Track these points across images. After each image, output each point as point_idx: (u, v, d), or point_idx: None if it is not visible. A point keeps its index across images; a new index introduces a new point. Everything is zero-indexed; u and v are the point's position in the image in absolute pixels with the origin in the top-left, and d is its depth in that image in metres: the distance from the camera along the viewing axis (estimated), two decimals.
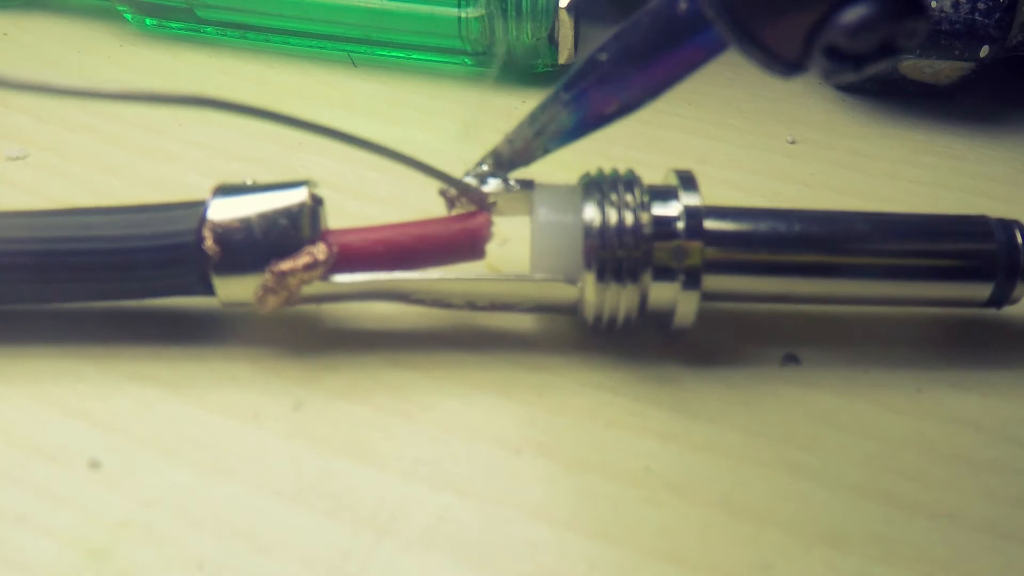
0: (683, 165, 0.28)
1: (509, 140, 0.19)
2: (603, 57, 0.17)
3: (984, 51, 0.28)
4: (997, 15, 0.27)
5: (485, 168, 0.19)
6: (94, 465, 0.17)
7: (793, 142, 0.29)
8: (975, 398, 0.20)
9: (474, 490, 0.17)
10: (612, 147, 0.28)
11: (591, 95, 0.18)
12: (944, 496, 0.17)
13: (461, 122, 0.29)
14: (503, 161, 0.19)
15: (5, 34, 0.33)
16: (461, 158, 0.27)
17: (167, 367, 0.19)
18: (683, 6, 0.16)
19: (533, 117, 0.19)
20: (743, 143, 0.29)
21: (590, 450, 0.18)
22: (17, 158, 0.25)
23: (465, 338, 0.20)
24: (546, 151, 0.19)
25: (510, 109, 0.29)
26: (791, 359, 0.20)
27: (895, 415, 0.19)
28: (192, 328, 0.20)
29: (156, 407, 0.18)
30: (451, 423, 0.18)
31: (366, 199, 0.25)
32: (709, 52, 0.16)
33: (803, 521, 0.17)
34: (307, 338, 0.20)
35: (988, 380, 0.20)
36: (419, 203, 0.24)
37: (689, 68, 0.17)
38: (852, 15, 0.13)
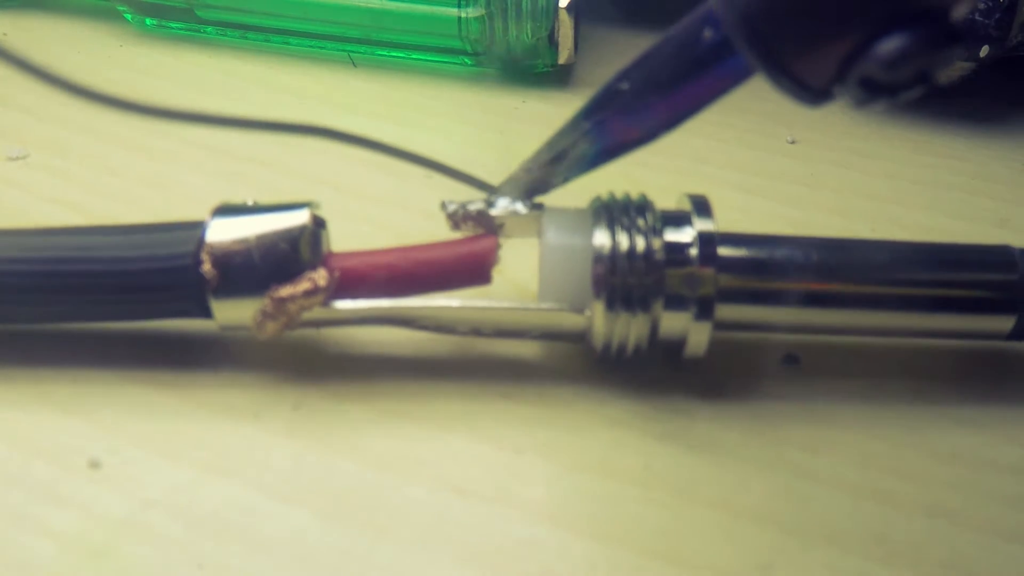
0: (683, 165, 0.28)
1: (526, 168, 0.18)
2: (624, 86, 0.17)
3: (984, 51, 0.28)
4: (997, 15, 0.27)
5: (503, 196, 0.19)
6: (94, 465, 0.17)
7: (793, 142, 0.29)
8: (976, 397, 0.20)
9: (474, 490, 0.17)
10: None
11: (612, 124, 0.17)
12: (944, 496, 0.17)
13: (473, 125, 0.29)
14: (521, 189, 0.19)
15: (5, 34, 0.33)
16: (462, 158, 0.27)
17: (167, 367, 0.19)
18: (708, 34, 0.15)
19: (551, 145, 0.18)
20: (743, 143, 0.29)
21: (590, 450, 0.18)
22: (17, 158, 0.25)
23: (469, 359, 0.20)
24: (565, 179, 0.18)
25: (510, 109, 0.30)
26: (791, 359, 0.20)
27: (895, 415, 0.19)
28: (193, 329, 0.20)
29: (156, 407, 0.18)
30: (451, 423, 0.18)
31: (367, 199, 0.25)
32: (735, 79, 0.16)
33: (803, 521, 0.17)
34: (309, 342, 0.20)
35: (988, 379, 0.20)
36: (420, 203, 0.24)
37: (714, 95, 0.16)
38: (889, 46, 0.13)
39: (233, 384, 0.19)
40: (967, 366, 0.20)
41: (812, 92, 0.14)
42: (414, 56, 0.32)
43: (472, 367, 0.19)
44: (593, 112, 0.17)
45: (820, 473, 0.18)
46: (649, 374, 0.19)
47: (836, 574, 0.16)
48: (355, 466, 0.17)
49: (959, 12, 0.13)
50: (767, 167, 0.27)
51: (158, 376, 0.19)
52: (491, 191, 0.19)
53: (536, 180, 0.18)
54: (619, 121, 0.17)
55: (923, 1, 0.13)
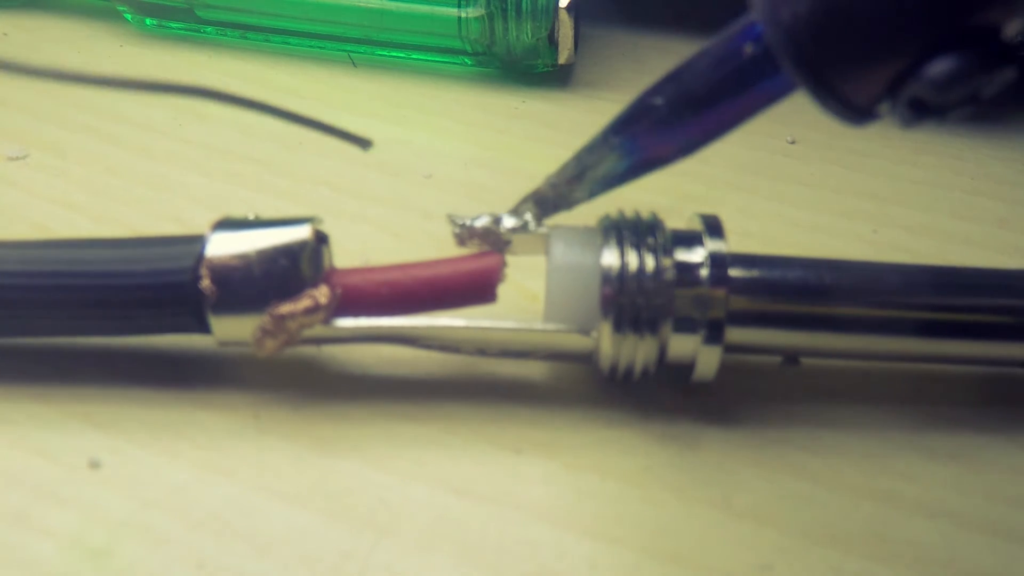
0: (683, 165, 0.28)
1: (552, 184, 0.18)
2: (658, 101, 0.16)
3: None
4: None
5: (527, 211, 0.18)
6: (94, 465, 0.17)
7: (793, 142, 0.29)
8: (976, 398, 0.20)
9: (474, 490, 0.17)
10: None
11: (644, 140, 0.17)
12: (944, 496, 0.17)
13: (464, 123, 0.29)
14: (546, 204, 0.18)
15: (5, 34, 0.33)
16: (462, 158, 0.27)
17: (167, 367, 0.19)
18: (749, 49, 0.15)
19: (578, 159, 0.18)
20: (743, 143, 0.28)
21: (590, 450, 0.18)
22: (17, 158, 0.25)
23: (471, 364, 0.20)
24: (592, 195, 0.18)
25: (510, 109, 0.29)
26: (791, 360, 0.20)
27: (895, 415, 0.19)
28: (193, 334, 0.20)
29: (156, 408, 0.18)
30: (451, 423, 0.18)
31: (365, 199, 0.25)
32: (776, 96, 0.15)
33: (803, 521, 0.17)
34: (311, 347, 0.20)
35: (990, 380, 0.20)
36: (419, 203, 0.24)
37: (753, 112, 0.16)
38: (939, 68, 0.13)
39: (233, 386, 0.19)
40: (970, 370, 0.20)
41: (858, 112, 0.14)
42: (414, 56, 0.32)
43: (473, 369, 0.19)
44: (624, 127, 0.17)
45: (820, 473, 0.18)
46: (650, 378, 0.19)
47: (836, 574, 0.16)
48: (355, 467, 0.17)
49: (1011, 31, 0.13)
50: (767, 167, 0.27)
51: (158, 376, 0.19)
52: (515, 207, 0.18)
53: (561, 196, 0.18)
54: (651, 137, 0.17)
55: (974, 21, 0.13)
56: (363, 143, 0.18)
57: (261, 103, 0.17)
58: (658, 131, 0.16)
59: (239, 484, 0.17)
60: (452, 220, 0.18)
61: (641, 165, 0.17)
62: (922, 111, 0.13)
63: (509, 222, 0.18)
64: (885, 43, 0.13)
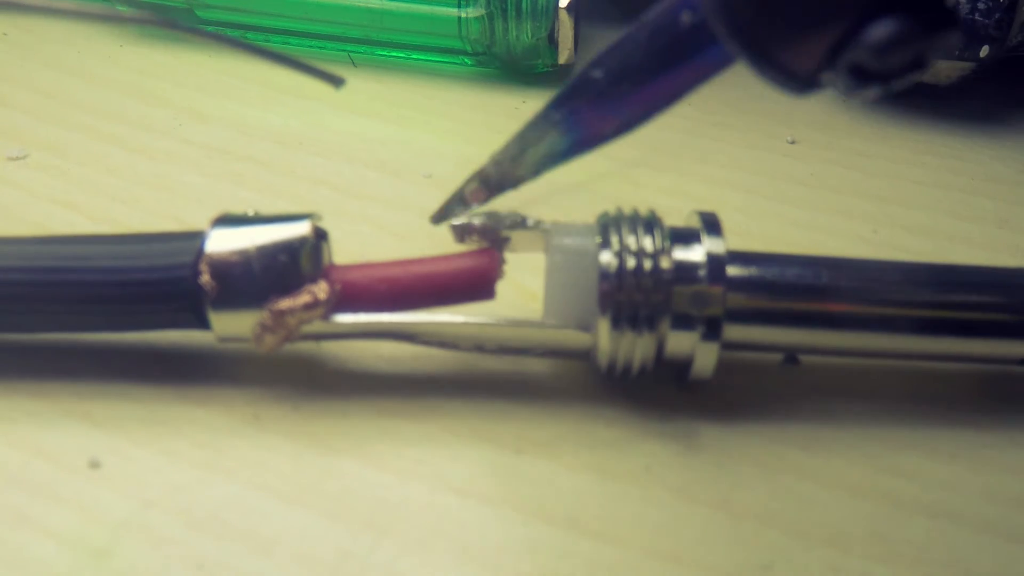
0: (683, 165, 0.28)
1: (496, 162, 0.18)
2: (598, 74, 0.16)
3: (984, 51, 0.28)
4: (997, 15, 0.27)
5: (473, 189, 0.18)
6: (94, 465, 0.17)
7: (793, 142, 0.29)
8: (976, 396, 0.20)
9: (474, 490, 0.17)
10: (612, 147, 0.28)
11: (586, 115, 0.16)
12: (944, 496, 0.17)
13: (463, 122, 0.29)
14: (491, 183, 0.18)
15: (5, 34, 0.33)
16: (462, 158, 0.27)
17: (166, 365, 0.19)
18: (687, 19, 0.15)
19: (521, 137, 0.17)
20: (743, 143, 0.29)
21: (590, 450, 0.18)
22: (17, 158, 0.25)
23: (470, 362, 0.20)
24: (536, 174, 0.17)
25: (510, 109, 0.30)
26: (791, 359, 0.20)
27: (894, 414, 0.19)
28: (194, 331, 0.20)
29: (156, 407, 0.18)
30: (451, 423, 0.18)
31: (366, 199, 0.25)
32: (716, 67, 0.15)
33: (803, 521, 0.17)
34: (310, 346, 0.20)
35: (990, 379, 0.20)
36: (419, 204, 0.24)
37: (694, 84, 0.16)
38: (880, 32, 0.12)
39: (233, 385, 0.19)
40: (969, 368, 0.20)
41: (799, 81, 0.13)
42: (414, 56, 0.32)
43: (474, 368, 0.19)
44: (565, 102, 0.16)
45: (820, 473, 0.18)
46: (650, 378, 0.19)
47: (836, 574, 0.16)
48: (355, 466, 0.17)
49: None
50: (767, 167, 0.27)
51: (157, 374, 0.19)
52: (460, 188, 0.18)
53: (505, 174, 0.18)
54: (593, 111, 0.16)
55: None
56: (336, 80, 0.18)
57: (233, 38, 0.17)
58: (598, 105, 0.16)
59: (239, 483, 0.17)
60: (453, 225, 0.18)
61: (583, 142, 0.17)
62: (864, 78, 0.13)
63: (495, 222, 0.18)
64: (822, 7, 0.13)
